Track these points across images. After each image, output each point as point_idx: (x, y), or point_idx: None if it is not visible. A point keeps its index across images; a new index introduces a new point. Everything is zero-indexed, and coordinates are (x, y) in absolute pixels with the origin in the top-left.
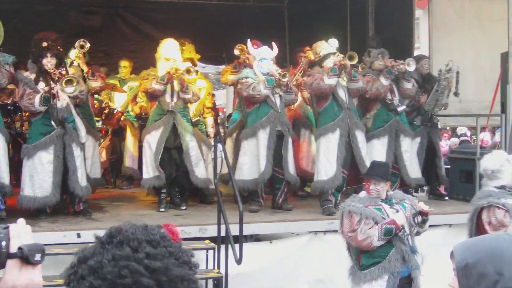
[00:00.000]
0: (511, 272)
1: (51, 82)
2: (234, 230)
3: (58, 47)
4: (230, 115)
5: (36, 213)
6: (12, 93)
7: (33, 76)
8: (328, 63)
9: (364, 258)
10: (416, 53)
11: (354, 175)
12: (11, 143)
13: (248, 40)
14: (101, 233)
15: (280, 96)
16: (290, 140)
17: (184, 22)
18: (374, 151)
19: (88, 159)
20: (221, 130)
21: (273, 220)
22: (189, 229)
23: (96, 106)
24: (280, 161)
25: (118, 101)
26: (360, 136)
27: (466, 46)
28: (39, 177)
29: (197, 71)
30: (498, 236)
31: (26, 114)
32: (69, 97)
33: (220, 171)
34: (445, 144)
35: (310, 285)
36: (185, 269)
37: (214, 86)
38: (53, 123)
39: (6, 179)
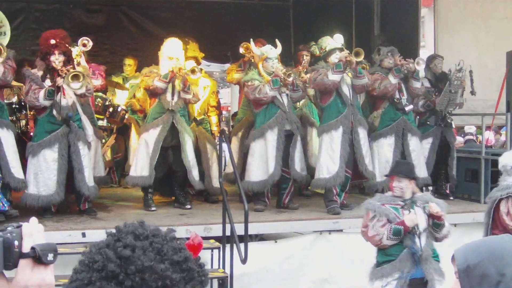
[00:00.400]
0: None
1: (58, 78)
2: (239, 229)
3: (66, 45)
4: (235, 114)
5: (41, 212)
6: (19, 91)
7: (40, 73)
8: (333, 58)
9: (379, 255)
10: (421, 51)
11: (356, 171)
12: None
13: (251, 40)
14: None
15: (287, 95)
16: (298, 138)
17: (188, 21)
18: (381, 150)
19: (91, 158)
20: (226, 129)
21: (278, 219)
22: (194, 228)
23: (100, 105)
24: (287, 160)
25: (120, 98)
26: (362, 133)
27: (471, 45)
28: (43, 175)
29: (201, 69)
30: (499, 237)
31: (31, 113)
32: (76, 95)
33: (224, 170)
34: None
35: (315, 284)
36: (165, 266)
37: (219, 84)
38: (55, 113)
39: (17, 174)
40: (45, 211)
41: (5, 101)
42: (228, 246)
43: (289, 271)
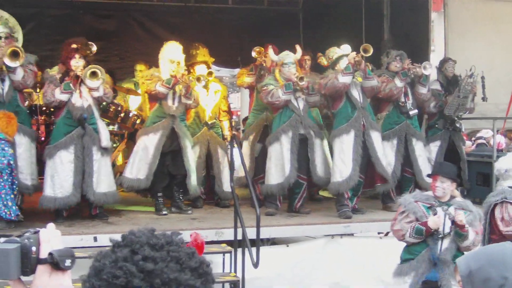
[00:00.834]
0: None
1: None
2: (251, 233)
3: (88, 51)
4: (246, 118)
5: (53, 217)
6: (29, 97)
7: (59, 76)
8: (342, 64)
9: (403, 252)
10: (431, 55)
11: (368, 177)
12: None
13: (270, 46)
14: (118, 237)
15: (303, 99)
16: (318, 142)
17: (198, 26)
18: (384, 152)
19: (107, 164)
20: (236, 133)
21: (290, 223)
22: (206, 232)
23: (111, 110)
24: (303, 165)
25: (133, 104)
26: (375, 136)
27: (481, 48)
28: (59, 177)
29: (211, 73)
30: (500, 244)
31: (42, 118)
32: (93, 98)
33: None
34: None
35: None
36: (187, 275)
37: (229, 89)
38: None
39: (29, 180)
40: (56, 215)
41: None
42: (239, 250)
43: (301, 275)
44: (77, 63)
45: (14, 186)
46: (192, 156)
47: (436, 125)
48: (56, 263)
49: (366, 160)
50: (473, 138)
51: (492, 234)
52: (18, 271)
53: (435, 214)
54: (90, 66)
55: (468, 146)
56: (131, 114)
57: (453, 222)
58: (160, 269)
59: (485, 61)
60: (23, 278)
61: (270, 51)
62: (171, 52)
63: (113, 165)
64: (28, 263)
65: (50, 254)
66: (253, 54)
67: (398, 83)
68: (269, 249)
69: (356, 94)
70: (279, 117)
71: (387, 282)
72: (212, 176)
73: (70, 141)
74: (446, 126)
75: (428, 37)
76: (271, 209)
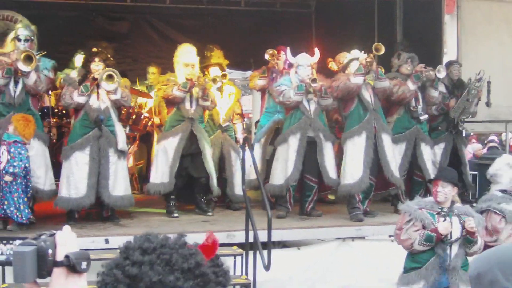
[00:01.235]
0: None
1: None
2: (262, 236)
3: (108, 55)
4: (258, 121)
5: (64, 219)
6: (41, 99)
7: (78, 78)
8: (352, 67)
9: (407, 261)
10: (444, 58)
11: (381, 180)
12: None
13: (288, 48)
14: (130, 239)
15: (315, 102)
16: (327, 145)
17: (211, 28)
18: None
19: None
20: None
21: (301, 226)
22: (217, 235)
23: (123, 112)
24: (313, 168)
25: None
26: (386, 139)
27: (494, 50)
28: (74, 178)
29: (225, 75)
30: (509, 246)
31: (55, 120)
32: (110, 101)
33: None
34: (471, 150)
35: None
36: (175, 277)
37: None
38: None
39: (41, 184)
40: (68, 217)
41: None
42: (251, 253)
43: (313, 278)
44: (96, 66)
45: (28, 189)
46: (211, 158)
47: (439, 128)
48: (72, 266)
49: (378, 163)
50: (485, 141)
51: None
52: (34, 274)
53: (444, 220)
54: (106, 69)
55: (478, 148)
56: (142, 116)
57: (463, 228)
58: (144, 273)
59: (498, 63)
60: (38, 281)
61: (288, 52)
62: (185, 55)
63: None
64: (45, 266)
65: (67, 256)
66: (266, 56)
67: (411, 86)
68: (281, 252)
69: (367, 96)
70: (290, 119)
71: None
72: (224, 178)
73: (86, 143)
74: (449, 129)
75: (441, 39)
76: (282, 212)
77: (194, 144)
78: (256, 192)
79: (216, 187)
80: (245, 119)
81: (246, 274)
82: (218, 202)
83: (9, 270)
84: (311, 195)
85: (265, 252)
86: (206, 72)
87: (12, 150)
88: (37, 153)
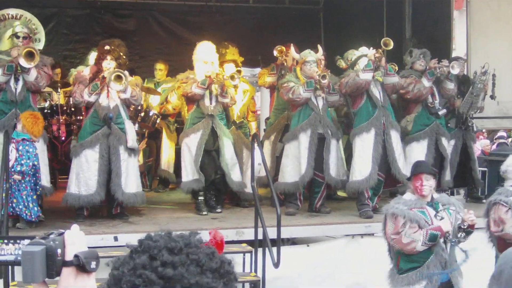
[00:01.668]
0: None
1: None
2: (271, 233)
3: (121, 54)
4: (267, 118)
5: (73, 216)
6: (49, 96)
7: (89, 76)
8: (361, 64)
9: (402, 262)
10: (452, 54)
11: (390, 176)
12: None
13: (292, 45)
14: (139, 236)
15: (323, 98)
16: (334, 142)
17: (218, 25)
18: (413, 154)
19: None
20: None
21: (310, 223)
22: (226, 232)
23: (131, 109)
24: (321, 164)
25: (153, 103)
26: (394, 136)
27: (503, 46)
28: (84, 175)
29: (239, 71)
30: None
31: (63, 118)
32: (120, 99)
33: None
34: (480, 146)
35: None
36: (208, 277)
37: None
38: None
39: (44, 180)
40: (77, 215)
41: (37, 106)
42: (260, 250)
43: (322, 275)
44: (108, 64)
45: (38, 187)
46: (230, 154)
47: (449, 124)
48: (82, 266)
49: (387, 159)
50: (495, 137)
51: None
52: (44, 274)
53: (441, 218)
54: (115, 69)
55: (486, 145)
56: (151, 113)
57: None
58: (180, 274)
59: (507, 59)
60: (47, 280)
61: (292, 49)
62: (204, 53)
63: None
64: (54, 265)
65: (76, 256)
66: (275, 53)
67: (426, 83)
68: (290, 249)
69: (376, 93)
70: (298, 115)
71: None
72: None
73: (95, 140)
74: (458, 125)
75: (450, 35)
76: (291, 209)
77: (217, 141)
78: (265, 189)
79: (235, 182)
80: None
81: (255, 271)
82: (227, 199)
83: (18, 268)
84: (320, 191)
85: (274, 249)
86: (221, 69)
87: (20, 148)
88: (41, 150)
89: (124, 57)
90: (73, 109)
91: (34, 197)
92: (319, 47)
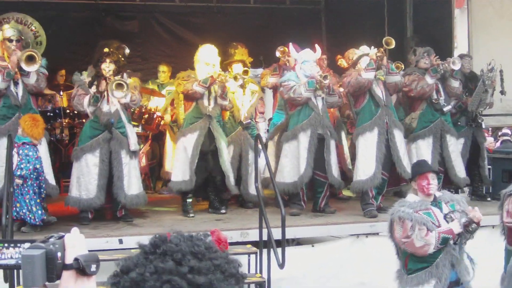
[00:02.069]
0: None
1: (103, 82)
2: (276, 234)
3: (120, 56)
4: (270, 119)
5: (78, 219)
6: (52, 99)
7: (88, 80)
8: (363, 63)
9: (411, 262)
10: (454, 52)
11: (393, 176)
12: (51, 149)
13: (290, 44)
14: (143, 239)
15: (322, 98)
16: (333, 143)
17: (221, 26)
18: (419, 151)
19: (136, 168)
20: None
21: (315, 223)
22: (231, 233)
23: (135, 111)
24: (322, 164)
25: (156, 105)
26: (398, 135)
27: (505, 44)
28: (85, 179)
29: (247, 71)
30: None
31: (66, 120)
32: (120, 103)
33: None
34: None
35: None
36: (231, 283)
37: None
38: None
39: (49, 180)
40: (82, 218)
41: (39, 109)
42: (265, 251)
43: (327, 275)
44: (107, 67)
45: (42, 190)
46: (227, 156)
47: (459, 123)
48: (82, 269)
49: (390, 158)
50: (499, 135)
51: None
52: (44, 278)
53: (452, 220)
54: (116, 78)
55: (490, 142)
56: (155, 116)
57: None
58: (209, 282)
59: (509, 57)
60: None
61: (291, 48)
62: (207, 55)
63: None
64: (54, 269)
65: (76, 259)
66: (277, 54)
67: (429, 80)
68: (295, 250)
69: (379, 92)
70: (298, 115)
71: None
72: (239, 177)
73: (96, 145)
74: (469, 123)
75: (451, 34)
76: (295, 209)
77: (214, 143)
78: (268, 190)
79: (233, 186)
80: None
81: (261, 272)
82: (231, 200)
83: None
84: (323, 191)
85: (279, 250)
86: (229, 69)
87: (20, 152)
88: (45, 151)
89: (123, 59)
90: (75, 112)
91: (38, 200)
92: (317, 47)
